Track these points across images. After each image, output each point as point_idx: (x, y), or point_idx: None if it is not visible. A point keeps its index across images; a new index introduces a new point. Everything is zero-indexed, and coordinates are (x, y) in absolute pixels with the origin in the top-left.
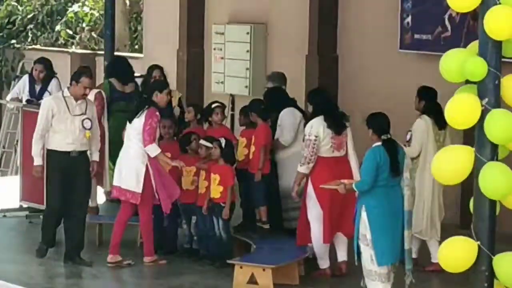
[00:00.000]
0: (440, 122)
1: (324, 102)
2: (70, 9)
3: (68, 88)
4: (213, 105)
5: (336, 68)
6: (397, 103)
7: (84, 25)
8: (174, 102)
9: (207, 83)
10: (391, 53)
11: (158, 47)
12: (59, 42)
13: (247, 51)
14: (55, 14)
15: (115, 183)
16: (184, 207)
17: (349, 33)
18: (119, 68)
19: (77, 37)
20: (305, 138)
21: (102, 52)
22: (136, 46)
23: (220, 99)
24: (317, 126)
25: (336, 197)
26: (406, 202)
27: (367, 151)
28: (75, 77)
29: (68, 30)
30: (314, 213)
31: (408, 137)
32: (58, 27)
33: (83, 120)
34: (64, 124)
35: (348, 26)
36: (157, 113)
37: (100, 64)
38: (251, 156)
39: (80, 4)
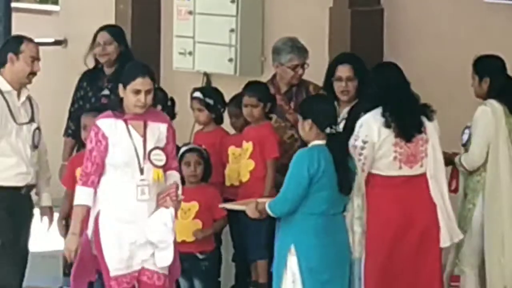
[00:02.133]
0: None
1: (389, 86)
2: None
3: None
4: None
5: (381, 27)
6: None
7: None
8: None
9: (165, 55)
10: (470, 2)
11: None
12: None
13: (233, 1)
14: None
15: None
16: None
17: None
18: None
19: None
20: (350, 144)
21: None
22: None
23: (188, 80)
24: (369, 125)
25: (401, 241)
26: (356, 244)
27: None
28: (11, 47)
29: None
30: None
31: (465, 137)
32: None
33: (34, 132)
34: (7, 141)
35: None
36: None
37: None
38: (245, 178)
39: None
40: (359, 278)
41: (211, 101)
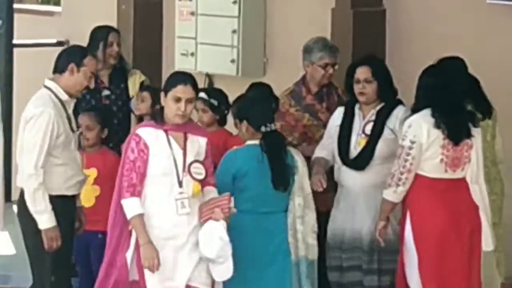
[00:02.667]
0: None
1: (438, 85)
2: None
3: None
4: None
5: (383, 28)
6: (485, 79)
7: None
8: (133, 90)
9: (167, 55)
10: (474, 4)
11: None
12: None
13: (235, 2)
14: None
15: None
16: None
17: None
18: None
19: None
20: (399, 144)
21: None
22: None
23: None
24: (418, 125)
25: (451, 245)
26: (300, 242)
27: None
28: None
29: None
30: (414, 268)
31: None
32: None
33: (79, 137)
34: (68, 150)
35: None
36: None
37: None
38: None
39: None
40: (309, 277)
41: (215, 102)
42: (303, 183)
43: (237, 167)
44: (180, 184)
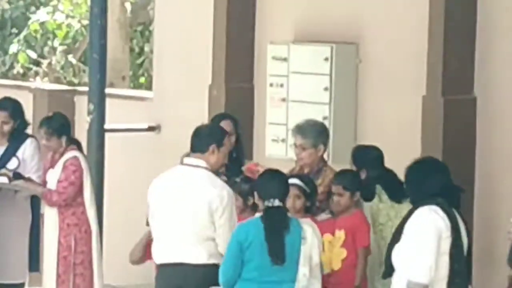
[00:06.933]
0: None
1: None
2: (33, 17)
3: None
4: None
5: (474, 116)
6: None
7: (56, 43)
8: None
9: (258, 141)
10: None
11: (179, 81)
12: (15, 72)
13: (326, 88)
14: (8, 24)
15: None
16: None
17: (495, 64)
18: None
19: (45, 63)
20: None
21: (85, 89)
22: (142, 79)
23: (281, 167)
24: None
25: None
26: None
27: None
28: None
29: (29, 52)
30: None
31: None
32: (13, 47)
33: None
34: None
35: (493, 50)
36: None
37: (82, 108)
38: (336, 266)
39: (49, 9)
40: None
41: (308, 189)
42: (311, 253)
43: (243, 237)
44: None
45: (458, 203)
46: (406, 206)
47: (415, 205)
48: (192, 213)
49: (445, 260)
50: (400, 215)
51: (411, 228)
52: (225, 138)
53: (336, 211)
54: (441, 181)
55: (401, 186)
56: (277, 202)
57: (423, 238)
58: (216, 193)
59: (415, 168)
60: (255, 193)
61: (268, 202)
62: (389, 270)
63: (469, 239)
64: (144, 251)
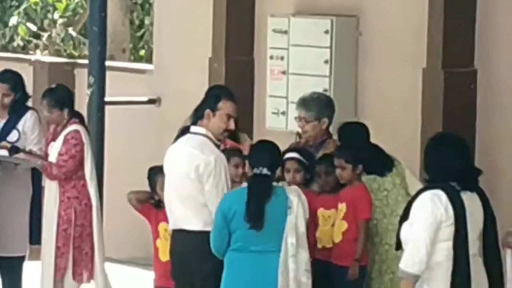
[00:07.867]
0: None
1: None
2: None
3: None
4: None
5: (474, 89)
6: None
7: (56, 16)
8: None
9: (258, 114)
10: None
11: (179, 54)
12: (15, 45)
13: (326, 61)
14: None
15: None
16: None
17: (496, 37)
18: None
19: (45, 36)
20: None
21: (86, 61)
22: (142, 51)
23: (281, 140)
24: None
25: None
26: (291, 280)
27: None
28: (209, 103)
29: (29, 25)
30: None
31: None
32: (13, 20)
33: None
34: None
35: (494, 23)
36: None
37: (82, 80)
38: (337, 239)
39: None
40: None
41: (307, 162)
42: (297, 223)
43: (227, 206)
44: None
45: (476, 186)
46: (389, 179)
47: (426, 186)
48: (185, 179)
49: (443, 247)
50: (383, 187)
51: (412, 212)
52: (219, 102)
53: (332, 186)
54: (461, 166)
55: (386, 159)
56: (265, 171)
57: (418, 229)
58: (203, 158)
59: (436, 148)
60: (247, 163)
61: (257, 169)
62: (400, 244)
63: (493, 220)
64: (138, 205)
